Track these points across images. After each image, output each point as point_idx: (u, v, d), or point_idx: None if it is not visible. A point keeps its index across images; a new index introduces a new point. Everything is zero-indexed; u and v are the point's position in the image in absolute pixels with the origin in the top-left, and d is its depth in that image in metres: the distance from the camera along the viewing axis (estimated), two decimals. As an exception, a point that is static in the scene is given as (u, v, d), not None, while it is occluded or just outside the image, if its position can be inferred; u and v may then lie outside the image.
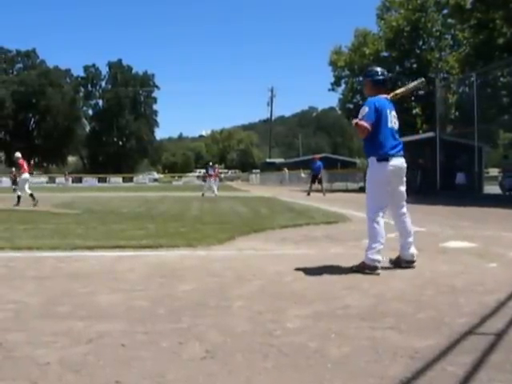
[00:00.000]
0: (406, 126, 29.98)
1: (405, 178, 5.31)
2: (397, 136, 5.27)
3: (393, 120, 5.27)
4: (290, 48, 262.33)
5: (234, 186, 52.12)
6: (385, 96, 5.34)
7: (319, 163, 26.38)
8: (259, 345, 2.91)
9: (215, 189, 25.70)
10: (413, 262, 5.25)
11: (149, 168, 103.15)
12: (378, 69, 5.53)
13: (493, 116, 23.56)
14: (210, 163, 30.34)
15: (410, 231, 5.32)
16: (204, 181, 27.14)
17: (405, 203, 5.34)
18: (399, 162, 5.19)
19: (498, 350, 2.79)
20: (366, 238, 5.24)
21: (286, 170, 54.63)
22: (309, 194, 24.36)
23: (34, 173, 76.91)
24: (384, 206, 5.18)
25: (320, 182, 26.00)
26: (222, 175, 57.68)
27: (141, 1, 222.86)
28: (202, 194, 24.79)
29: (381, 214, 5.15)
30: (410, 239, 5.28)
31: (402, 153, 5.25)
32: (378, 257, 5.01)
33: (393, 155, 5.13)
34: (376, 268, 4.98)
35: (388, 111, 5.23)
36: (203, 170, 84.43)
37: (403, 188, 5.31)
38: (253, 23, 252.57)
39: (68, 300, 3.95)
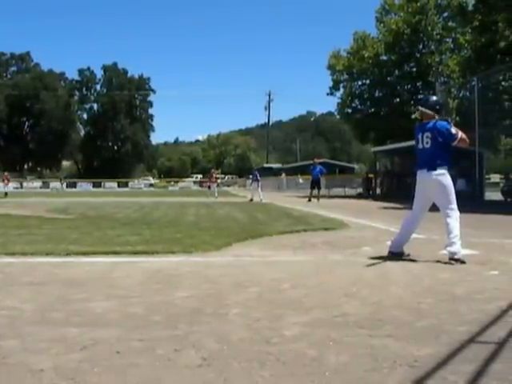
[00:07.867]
0: (405, 131, 29.97)
1: None
2: None
3: None
4: (288, 52, 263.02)
5: (231, 191, 52.02)
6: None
7: (319, 168, 25.77)
8: (256, 353, 2.87)
9: (261, 193, 25.79)
10: (451, 259, 5.82)
11: (144, 173, 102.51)
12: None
13: (494, 121, 23.37)
14: (255, 168, 30.16)
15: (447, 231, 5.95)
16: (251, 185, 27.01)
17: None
18: None
19: (500, 359, 2.75)
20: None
21: (283, 175, 54.58)
22: (310, 200, 23.80)
23: (28, 177, 76.87)
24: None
25: (318, 187, 25.22)
26: (219, 180, 57.60)
27: (136, 4, 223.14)
28: (251, 200, 25.11)
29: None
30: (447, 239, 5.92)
31: None
32: None
33: None
34: None
35: None
36: (199, 175, 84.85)
37: None
38: (250, 27, 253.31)
39: (62, 306, 3.90)
